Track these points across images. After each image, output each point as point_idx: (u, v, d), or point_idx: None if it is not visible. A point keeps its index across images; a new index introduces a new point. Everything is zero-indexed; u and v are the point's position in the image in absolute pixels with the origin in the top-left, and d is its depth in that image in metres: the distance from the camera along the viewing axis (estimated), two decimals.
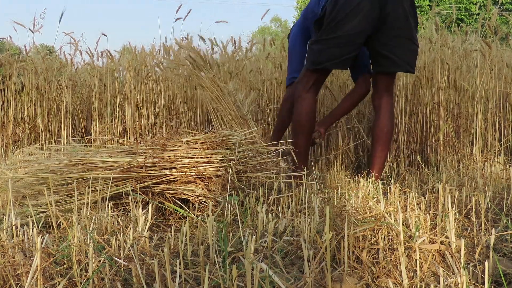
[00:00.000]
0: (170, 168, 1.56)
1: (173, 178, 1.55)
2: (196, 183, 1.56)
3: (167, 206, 1.54)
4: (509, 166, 2.20)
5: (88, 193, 1.43)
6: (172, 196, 1.56)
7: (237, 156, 1.60)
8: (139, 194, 1.51)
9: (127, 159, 1.56)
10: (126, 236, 1.14)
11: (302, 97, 2.04)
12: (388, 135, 2.07)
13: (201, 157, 1.58)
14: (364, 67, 2.35)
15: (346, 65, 2.03)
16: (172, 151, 1.59)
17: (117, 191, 1.51)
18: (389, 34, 1.95)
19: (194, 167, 1.56)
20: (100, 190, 1.50)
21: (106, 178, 1.51)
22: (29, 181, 1.58)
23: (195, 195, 1.56)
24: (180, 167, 1.55)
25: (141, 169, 1.54)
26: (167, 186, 1.55)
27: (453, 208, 1.14)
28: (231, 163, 1.56)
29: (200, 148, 1.61)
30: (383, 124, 2.06)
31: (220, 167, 1.57)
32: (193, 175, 1.56)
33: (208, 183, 1.57)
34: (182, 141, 1.64)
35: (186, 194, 1.56)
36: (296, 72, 2.30)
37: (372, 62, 2.07)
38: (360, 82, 2.39)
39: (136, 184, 1.53)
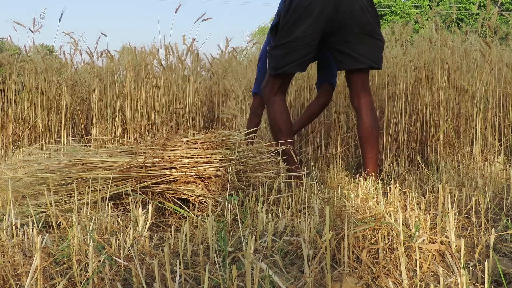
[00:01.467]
0: (170, 168, 1.56)
1: (173, 178, 1.55)
2: (196, 183, 1.56)
3: (167, 206, 1.54)
4: (509, 166, 2.20)
5: (88, 193, 1.43)
6: (172, 196, 1.56)
7: (237, 156, 1.60)
8: (139, 194, 1.51)
9: (127, 159, 1.56)
10: (126, 236, 1.14)
11: (272, 100, 2.10)
12: (374, 133, 2.06)
13: (201, 157, 1.58)
14: (326, 78, 2.41)
15: (305, 67, 2.08)
16: (172, 151, 1.59)
17: (117, 191, 1.51)
18: (348, 31, 1.96)
19: (194, 167, 1.56)
20: (100, 190, 1.50)
21: (106, 178, 1.51)
22: (29, 181, 1.58)
23: (195, 195, 1.56)
24: (180, 167, 1.55)
25: (141, 169, 1.54)
26: (167, 186, 1.55)
27: (453, 208, 1.14)
28: (231, 163, 1.56)
29: (200, 148, 1.61)
30: (366, 124, 2.05)
31: (220, 167, 1.57)
32: (193, 175, 1.56)
33: (208, 183, 1.57)
34: (182, 141, 1.64)
35: (186, 194, 1.56)
36: (256, 89, 2.44)
37: (336, 62, 2.08)
38: (319, 92, 2.47)
39: (136, 184, 1.53)
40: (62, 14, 3.30)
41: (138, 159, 1.55)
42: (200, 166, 1.57)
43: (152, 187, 1.55)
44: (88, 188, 1.46)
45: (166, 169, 1.55)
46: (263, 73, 2.41)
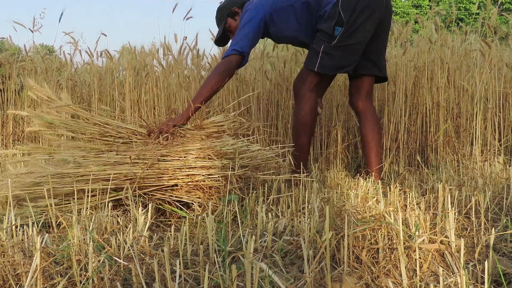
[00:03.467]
0: (169, 179, 1.53)
1: (171, 187, 1.54)
2: (196, 191, 1.54)
3: (167, 208, 1.53)
4: (509, 166, 2.20)
5: (88, 196, 1.43)
6: (172, 198, 1.55)
7: (237, 165, 1.57)
8: (139, 196, 1.51)
9: (123, 170, 1.53)
10: (126, 235, 1.14)
11: (307, 96, 2.03)
12: (380, 135, 2.13)
13: (200, 167, 1.54)
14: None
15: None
16: (170, 161, 1.56)
17: (116, 197, 1.50)
18: (379, 41, 2.07)
19: (192, 180, 1.53)
20: (99, 194, 1.49)
21: (103, 181, 1.50)
22: (27, 188, 1.56)
23: (195, 198, 1.54)
24: (180, 178, 1.53)
25: (139, 180, 1.51)
26: (168, 194, 1.54)
27: (453, 208, 1.14)
28: (229, 172, 1.53)
29: (198, 157, 1.58)
30: (374, 125, 2.11)
31: (220, 176, 1.54)
32: (192, 187, 1.54)
33: (208, 191, 1.55)
34: (180, 150, 1.60)
35: (186, 199, 1.55)
36: (237, 45, 1.97)
37: (357, 66, 2.06)
38: None
39: (135, 186, 1.52)
40: (62, 14, 3.29)
41: (134, 171, 1.52)
42: (198, 180, 1.53)
43: (150, 193, 1.54)
44: (88, 193, 1.46)
45: (165, 180, 1.53)
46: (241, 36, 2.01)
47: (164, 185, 1.53)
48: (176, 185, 1.54)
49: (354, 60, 2.00)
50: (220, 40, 2.27)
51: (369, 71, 2.11)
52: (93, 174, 1.50)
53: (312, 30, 2.05)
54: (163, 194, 1.54)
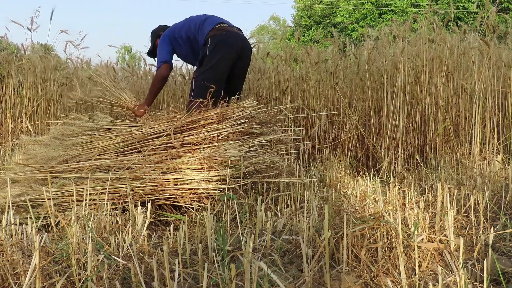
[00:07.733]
0: (170, 191, 1.52)
1: (173, 197, 1.53)
2: (199, 199, 1.53)
3: (167, 216, 1.51)
4: (508, 165, 2.20)
5: (86, 194, 1.42)
6: (171, 202, 1.54)
7: (242, 174, 1.55)
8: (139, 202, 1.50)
9: (122, 187, 1.51)
10: (125, 234, 1.14)
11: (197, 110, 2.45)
12: None
13: (203, 181, 1.52)
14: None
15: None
16: (171, 173, 1.55)
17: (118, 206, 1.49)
18: (236, 80, 2.61)
19: (194, 193, 1.52)
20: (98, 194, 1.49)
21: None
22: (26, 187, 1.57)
23: (196, 205, 1.53)
24: (182, 193, 1.52)
25: (141, 197, 1.50)
26: (169, 202, 1.53)
27: (452, 207, 1.14)
28: (235, 185, 1.51)
29: (200, 164, 1.56)
30: None
31: (223, 188, 1.52)
32: (194, 199, 1.53)
33: (210, 200, 1.54)
34: (183, 162, 1.58)
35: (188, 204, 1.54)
36: (162, 58, 2.68)
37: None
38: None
39: (139, 197, 1.50)
40: (52, 13, 3.28)
41: (132, 186, 1.50)
42: (202, 189, 1.52)
43: (152, 200, 1.52)
44: (85, 198, 1.45)
45: (167, 192, 1.52)
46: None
47: (166, 198, 1.52)
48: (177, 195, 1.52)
49: (218, 91, 2.36)
50: (150, 53, 2.92)
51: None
52: (90, 189, 1.48)
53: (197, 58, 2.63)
54: (165, 201, 1.53)
